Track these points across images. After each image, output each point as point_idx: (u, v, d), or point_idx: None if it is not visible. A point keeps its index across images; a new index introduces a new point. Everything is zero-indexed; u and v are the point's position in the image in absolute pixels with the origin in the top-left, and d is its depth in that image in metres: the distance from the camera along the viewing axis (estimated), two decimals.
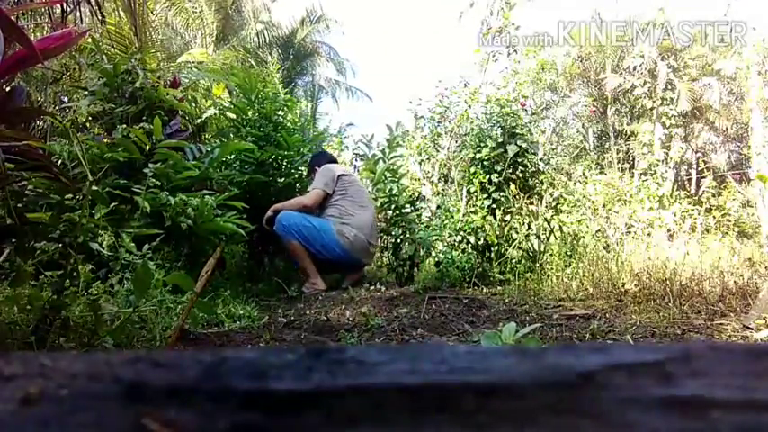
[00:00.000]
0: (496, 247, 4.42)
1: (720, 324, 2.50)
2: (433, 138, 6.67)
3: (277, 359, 0.30)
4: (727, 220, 5.78)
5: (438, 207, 5.36)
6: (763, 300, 2.56)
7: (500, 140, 4.93)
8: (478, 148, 5.01)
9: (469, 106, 6.11)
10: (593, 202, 5.45)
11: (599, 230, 4.83)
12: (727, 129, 11.91)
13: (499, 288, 4.03)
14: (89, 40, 3.86)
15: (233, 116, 4.96)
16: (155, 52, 6.05)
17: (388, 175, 4.65)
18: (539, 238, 4.58)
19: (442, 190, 6.19)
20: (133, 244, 2.00)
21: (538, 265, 4.18)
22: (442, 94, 6.50)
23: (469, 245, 4.55)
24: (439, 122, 6.54)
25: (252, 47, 13.23)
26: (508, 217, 4.66)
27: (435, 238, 4.68)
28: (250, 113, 4.74)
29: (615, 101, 11.79)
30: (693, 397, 0.27)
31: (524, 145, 4.96)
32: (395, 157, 4.86)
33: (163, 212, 2.83)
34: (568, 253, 4.21)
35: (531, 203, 4.90)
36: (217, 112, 5.12)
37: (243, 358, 0.31)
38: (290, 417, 0.26)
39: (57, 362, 0.31)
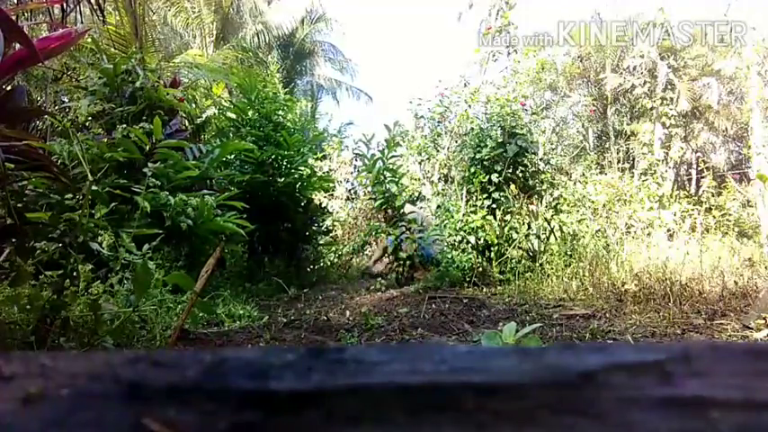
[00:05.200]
0: (496, 247, 4.42)
1: (720, 324, 2.50)
2: (433, 138, 6.67)
3: (277, 359, 0.30)
4: (727, 219, 5.78)
5: (438, 207, 5.35)
6: (763, 300, 2.56)
7: (500, 140, 4.92)
8: (478, 148, 5.01)
9: (469, 106, 6.11)
10: (593, 201, 5.45)
11: (599, 230, 4.83)
12: (726, 129, 11.91)
13: (499, 288, 4.03)
14: (89, 39, 3.86)
15: (233, 116, 4.96)
16: (154, 52, 6.05)
17: (388, 174, 4.64)
18: (539, 237, 4.58)
19: (442, 190, 6.18)
20: (133, 244, 2.00)
21: (538, 264, 4.17)
22: (442, 93, 6.50)
23: (469, 245, 4.55)
24: (439, 122, 6.53)
25: (251, 47, 13.21)
26: (508, 217, 4.66)
27: (435, 238, 4.68)
28: (250, 113, 4.74)
29: (615, 101, 11.78)
30: (693, 397, 0.27)
31: (524, 145, 4.96)
32: (393, 156, 4.85)
33: (163, 212, 2.82)
34: (568, 253, 4.20)
35: (531, 203, 4.90)
36: (217, 111, 5.11)
37: (243, 358, 0.31)
38: (290, 417, 0.26)
39: (57, 362, 0.31)
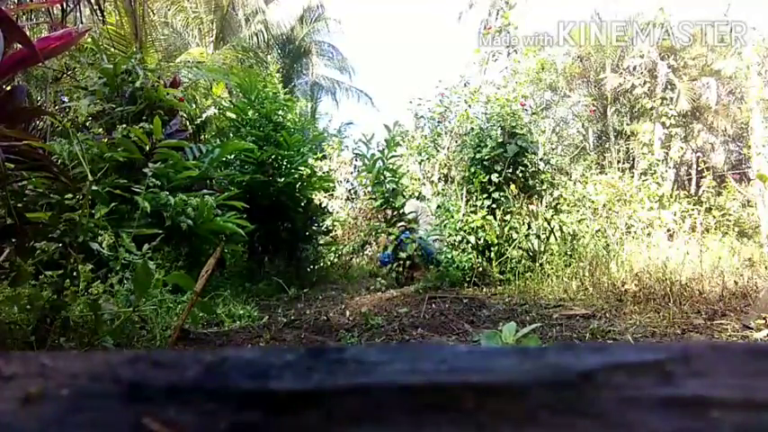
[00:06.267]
0: (496, 247, 4.42)
1: (720, 324, 2.50)
2: (433, 138, 6.67)
3: (277, 359, 0.30)
4: (727, 219, 5.79)
5: (438, 207, 5.35)
6: (763, 300, 2.57)
7: (500, 140, 4.92)
8: (478, 148, 5.00)
9: (469, 106, 6.11)
10: (593, 201, 5.45)
11: (599, 230, 4.83)
12: (726, 129, 11.92)
13: (499, 288, 4.03)
14: (89, 39, 3.85)
15: (233, 116, 4.96)
16: (154, 52, 6.05)
17: (388, 174, 4.64)
18: (539, 237, 4.58)
19: (442, 190, 6.18)
20: (133, 244, 2.00)
21: (538, 264, 4.17)
22: (442, 93, 6.50)
23: (469, 245, 4.55)
24: (439, 122, 6.54)
25: (251, 46, 13.21)
26: (508, 217, 4.66)
27: (436, 237, 4.68)
28: (250, 113, 4.74)
29: (615, 101, 11.80)
30: (693, 397, 0.27)
31: (524, 145, 4.95)
32: (393, 156, 4.85)
33: (163, 212, 2.82)
34: (568, 253, 4.20)
35: (531, 203, 4.90)
36: (217, 111, 5.11)
37: (243, 358, 0.31)
38: (290, 417, 0.26)
39: (57, 362, 0.31)
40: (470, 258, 4.33)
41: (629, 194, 5.75)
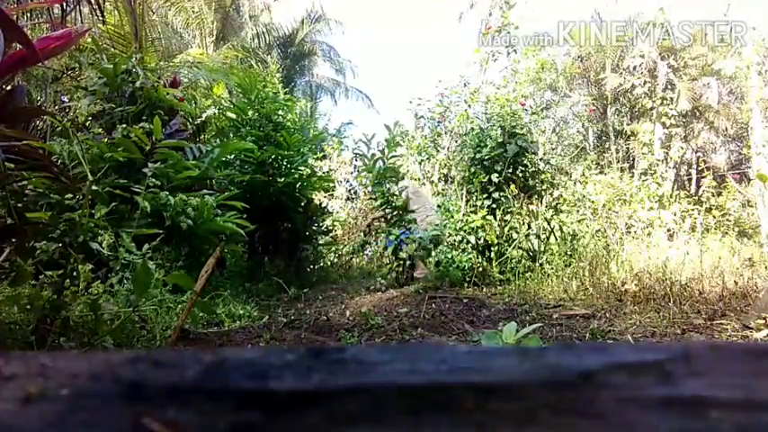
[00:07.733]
0: (496, 247, 4.42)
1: (720, 324, 2.50)
2: (433, 138, 6.67)
3: (277, 359, 0.30)
4: (727, 219, 5.78)
5: (438, 207, 5.36)
6: (763, 300, 2.56)
7: (500, 140, 4.92)
8: (478, 148, 5.00)
9: (469, 106, 6.11)
10: (593, 201, 5.45)
11: (599, 230, 4.83)
12: (726, 129, 11.92)
13: (499, 288, 4.03)
14: (89, 39, 3.86)
15: (233, 116, 4.96)
16: (154, 52, 6.05)
17: (388, 174, 4.64)
18: (539, 237, 4.58)
19: (442, 190, 6.18)
20: (133, 244, 2.00)
21: (538, 264, 4.17)
22: (442, 93, 6.50)
23: (469, 245, 4.55)
24: (439, 122, 6.54)
25: (251, 46, 13.21)
26: (508, 217, 4.66)
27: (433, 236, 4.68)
28: (250, 113, 4.74)
29: (615, 101, 11.80)
30: (693, 397, 0.27)
31: (524, 145, 4.95)
32: (394, 156, 4.85)
33: (163, 212, 2.82)
34: (568, 253, 4.20)
35: (531, 203, 4.89)
36: (217, 111, 5.11)
37: (243, 358, 0.31)
38: (290, 417, 0.26)
39: (57, 362, 0.31)
40: (470, 258, 4.33)
41: (628, 194, 5.75)
